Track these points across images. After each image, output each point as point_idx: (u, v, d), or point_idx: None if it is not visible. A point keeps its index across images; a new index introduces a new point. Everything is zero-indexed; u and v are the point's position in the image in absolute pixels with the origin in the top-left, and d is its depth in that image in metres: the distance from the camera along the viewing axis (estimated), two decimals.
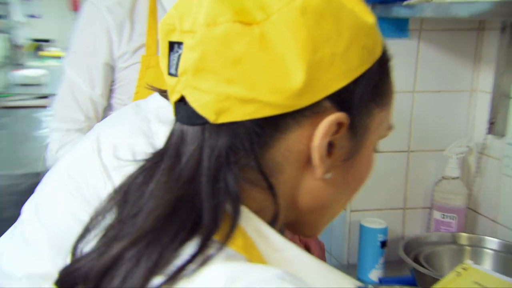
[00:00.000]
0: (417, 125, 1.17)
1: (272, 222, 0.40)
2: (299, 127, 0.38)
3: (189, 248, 0.35)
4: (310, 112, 0.38)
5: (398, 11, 1.00)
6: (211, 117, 0.37)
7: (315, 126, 0.38)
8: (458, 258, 1.00)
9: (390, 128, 0.46)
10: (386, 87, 0.43)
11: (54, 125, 1.12)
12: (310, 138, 0.39)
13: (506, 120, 1.07)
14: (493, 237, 1.04)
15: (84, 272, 0.37)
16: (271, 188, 0.39)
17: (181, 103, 0.39)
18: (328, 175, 0.40)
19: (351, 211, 1.18)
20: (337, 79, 0.38)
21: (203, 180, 0.37)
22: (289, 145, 0.39)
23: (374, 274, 1.06)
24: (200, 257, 0.35)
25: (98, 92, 1.09)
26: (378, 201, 1.19)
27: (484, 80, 1.13)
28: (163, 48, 0.40)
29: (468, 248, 1.01)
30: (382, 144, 1.19)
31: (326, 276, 0.40)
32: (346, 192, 0.44)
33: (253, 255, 0.37)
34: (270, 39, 0.36)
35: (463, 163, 1.18)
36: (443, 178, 1.13)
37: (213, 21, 0.36)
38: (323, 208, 0.44)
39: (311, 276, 0.39)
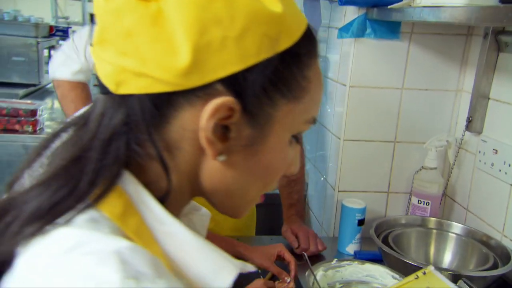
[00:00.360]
0: (404, 119, 1.29)
1: (165, 196, 0.41)
2: (192, 107, 0.39)
3: (64, 205, 0.37)
4: (202, 93, 0.38)
5: (390, 15, 1.11)
6: (112, 88, 0.39)
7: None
8: (424, 240, 1.14)
9: (310, 122, 0.46)
10: (295, 81, 0.42)
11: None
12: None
13: (484, 119, 1.18)
14: (464, 224, 1.17)
15: None
16: (162, 162, 0.40)
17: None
18: (222, 158, 0.41)
19: (339, 191, 1.33)
20: (229, 63, 0.38)
21: (96, 144, 0.39)
22: (183, 123, 0.40)
23: (351, 248, 1.21)
24: (68, 215, 0.37)
25: None
26: (365, 184, 1.33)
27: (469, 81, 1.24)
28: None
29: (434, 231, 1.15)
30: (371, 134, 1.33)
31: (207, 255, 0.41)
32: (253, 179, 0.44)
33: (128, 225, 0.38)
34: (164, 17, 0.37)
35: (444, 156, 1.30)
36: (423, 168, 1.25)
37: None
38: (227, 191, 0.44)
39: (192, 252, 0.40)
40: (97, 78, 0.42)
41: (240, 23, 0.38)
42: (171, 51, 0.37)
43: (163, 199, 0.41)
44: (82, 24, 3.73)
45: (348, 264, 1.00)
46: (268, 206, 1.41)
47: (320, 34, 1.55)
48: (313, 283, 0.92)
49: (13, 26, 2.71)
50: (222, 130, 0.41)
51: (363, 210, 1.20)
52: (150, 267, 0.35)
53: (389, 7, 1.08)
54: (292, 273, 1.02)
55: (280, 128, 0.43)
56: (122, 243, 0.36)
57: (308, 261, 0.98)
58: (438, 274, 0.75)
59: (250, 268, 0.44)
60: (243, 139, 0.41)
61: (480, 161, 1.16)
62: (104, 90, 0.41)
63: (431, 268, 0.76)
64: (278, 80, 0.41)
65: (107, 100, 0.41)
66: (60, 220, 0.37)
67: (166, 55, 0.37)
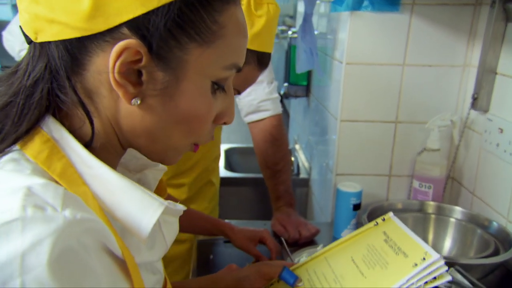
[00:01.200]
0: (406, 98, 1.21)
1: (90, 141, 0.44)
2: (103, 52, 0.41)
3: None
4: (109, 38, 0.40)
5: None
6: (32, 36, 0.42)
7: None
8: (421, 225, 1.07)
9: (230, 68, 0.46)
10: (204, 24, 0.42)
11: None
12: None
13: (491, 96, 1.09)
14: (470, 209, 1.09)
15: None
16: (83, 107, 0.43)
17: None
18: (136, 101, 0.43)
19: (337, 174, 1.27)
20: (131, 7, 0.40)
21: (21, 90, 0.42)
22: (97, 68, 0.42)
23: (346, 233, 1.15)
24: None
25: None
26: (365, 167, 1.26)
27: (478, 55, 1.14)
28: None
29: (432, 216, 1.07)
30: (371, 113, 1.27)
31: (132, 195, 0.43)
32: (173, 123, 0.45)
33: (53, 168, 0.40)
34: None
35: (450, 137, 1.22)
36: (425, 149, 1.17)
37: None
38: (149, 134, 0.45)
39: (118, 193, 0.42)
40: (20, 29, 0.44)
41: None
42: None
43: (88, 143, 0.44)
44: None
45: None
46: (262, 190, 1.37)
47: (319, 9, 1.47)
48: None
49: None
50: (136, 75, 0.42)
51: (358, 194, 1.14)
52: (60, 200, 0.37)
53: None
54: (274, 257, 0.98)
55: (194, 72, 0.44)
56: (35, 180, 0.38)
57: (286, 247, 0.94)
58: (397, 221, 0.73)
59: (180, 207, 0.47)
60: (157, 83, 0.43)
61: (486, 141, 1.08)
62: (28, 39, 0.43)
63: (390, 214, 0.75)
64: (183, 22, 0.41)
65: (31, 49, 0.43)
66: None
67: (70, 0, 0.40)
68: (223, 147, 1.91)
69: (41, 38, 0.42)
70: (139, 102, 0.43)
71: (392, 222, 0.74)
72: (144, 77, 0.42)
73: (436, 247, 1.05)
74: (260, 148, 1.25)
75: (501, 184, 1.02)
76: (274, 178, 1.23)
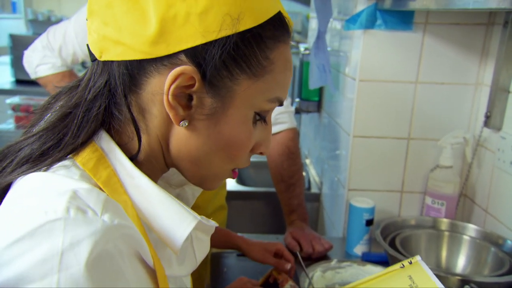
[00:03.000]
0: (419, 115, 1.22)
1: (136, 154, 0.47)
2: (160, 75, 0.44)
3: (50, 154, 0.44)
4: (168, 62, 0.44)
5: (404, 4, 1.04)
6: (97, 55, 0.46)
7: None
8: (435, 242, 1.07)
9: (274, 102, 0.49)
10: (256, 59, 0.45)
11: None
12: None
13: (504, 114, 1.10)
14: (483, 227, 1.10)
15: None
16: (134, 123, 0.46)
17: None
18: (184, 123, 0.46)
19: (349, 190, 1.28)
20: (192, 37, 0.43)
21: (82, 103, 0.45)
22: (153, 89, 0.45)
23: (359, 249, 1.16)
24: (49, 162, 0.43)
25: None
26: (377, 183, 1.27)
27: (490, 74, 1.15)
28: None
29: (446, 233, 1.08)
30: (384, 130, 1.28)
31: (169, 207, 0.45)
32: (216, 148, 0.48)
33: (99, 175, 0.44)
34: None
35: (462, 154, 1.22)
36: (437, 166, 1.18)
37: None
38: (192, 157, 0.48)
39: (156, 204, 0.45)
40: (87, 47, 0.48)
41: (204, 2, 0.43)
42: (142, 20, 0.43)
43: (134, 156, 0.47)
44: None
45: (348, 265, 0.96)
46: (274, 204, 1.38)
47: (332, 26, 1.50)
48: (308, 283, 0.88)
49: (47, 25, 2.80)
50: (186, 99, 0.46)
51: (371, 210, 1.15)
52: (100, 205, 0.40)
53: None
54: (292, 272, 0.98)
55: (240, 102, 0.47)
56: (81, 185, 0.41)
57: (301, 261, 0.94)
58: (424, 266, 0.71)
59: (213, 223, 0.49)
60: (205, 108, 0.46)
61: (499, 159, 1.08)
62: (92, 57, 0.47)
63: (417, 258, 0.73)
64: (238, 56, 0.45)
65: (93, 66, 0.47)
66: (42, 166, 0.43)
67: (138, 24, 0.43)
68: None
69: (105, 57, 0.45)
70: (186, 124, 0.46)
71: (419, 266, 0.71)
72: (194, 102, 0.45)
73: (450, 264, 1.05)
74: (275, 161, 1.25)
75: None
76: (288, 192, 1.23)
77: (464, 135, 1.16)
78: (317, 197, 1.64)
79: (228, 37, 0.43)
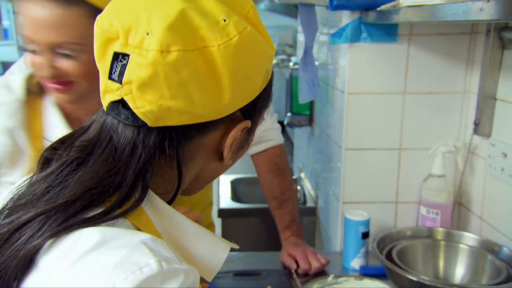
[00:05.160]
0: (408, 125, 1.23)
1: (173, 198, 0.51)
2: (216, 130, 0.50)
3: (91, 213, 0.44)
4: (226, 120, 0.50)
5: (387, 17, 1.04)
6: (149, 122, 0.46)
7: (227, 129, 0.51)
8: (431, 252, 1.06)
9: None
10: (270, 94, 0.55)
11: None
12: (222, 137, 0.51)
13: (492, 121, 1.10)
14: (479, 234, 1.09)
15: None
16: (180, 173, 0.50)
17: (119, 104, 0.46)
18: (230, 162, 0.54)
19: (344, 202, 1.28)
20: (247, 97, 0.50)
21: (129, 170, 0.46)
22: (204, 142, 0.50)
23: (356, 263, 1.15)
24: (96, 220, 0.43)
25: None
26: (371, 195, 1.27)
27: (477, 82, 1.16)
28: (102, 52, 0.46)
29: (442, 242, 1.07)
30: (375, 141, 1.28)
31: (204, 238, 0.50)
32: (227, 168, 0.57)
33: (140, 221, 0.46)
34: (210, 68, 0.45)
35: (454, 162, 1.23)
36: (430, 175, 1.18)
37: (166, 49, 0.43)
38: (207, 179, 0.57)
39: (191, 236, 0.49)
40: (114, 109, 0.47)
41: (257, 68, 0.50)
42: (218, 96, 0.46)
43: (172, 197, 0.51)
44: None
45: (345, 280, 0.95)
46: (269, 220, 1.37)
47: (319, 40, 1.51)
48: None
49: None
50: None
51: (366, 222, 1.14)
52: (170, 253, 0.43)
53: (378, 9, 1.03)
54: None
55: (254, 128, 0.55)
56: (143, 236, 0.43)
57: (296, 278, 0.94)
58: None
59: (234, 245, 0.54)
60: (238, 146, 0.54)
61: (490, 166, 1.09)
62: (134, 122, 0.46)
63: None
64: (268, 98, 0.54)
65: (136, 131, 0.46)
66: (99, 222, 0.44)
67: (213, 99, 0.46)
68: (229, 178, 1.92)
69: (160, 124, 0.46)
70: (230, 162, 0.54)
71: None
72: (234, 143, 0.53)
73: (448, 274, 1.04)
74: (265, 179, 1.25)
75: (509, 208, 1.02)
76: (281, 208, 1.23)
77: (455, 144, 1.16)
78: (313, 211, 1.64)
79: (265, 88, 0.52)
